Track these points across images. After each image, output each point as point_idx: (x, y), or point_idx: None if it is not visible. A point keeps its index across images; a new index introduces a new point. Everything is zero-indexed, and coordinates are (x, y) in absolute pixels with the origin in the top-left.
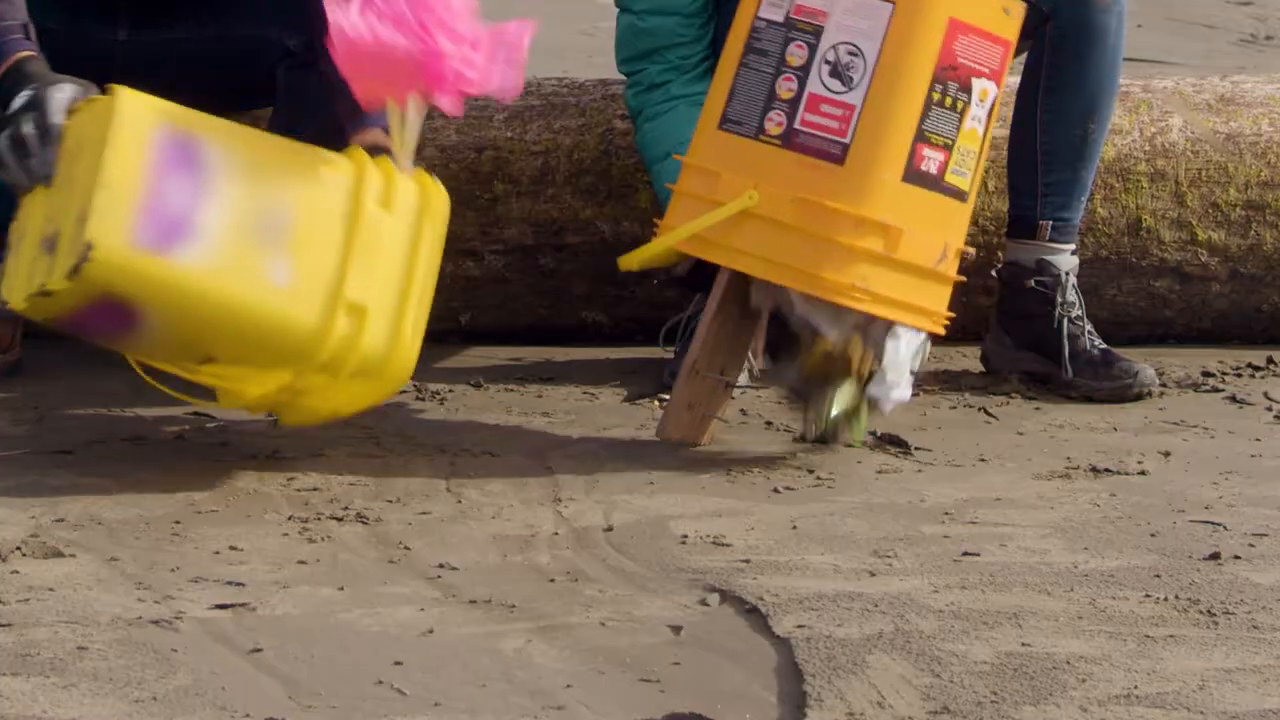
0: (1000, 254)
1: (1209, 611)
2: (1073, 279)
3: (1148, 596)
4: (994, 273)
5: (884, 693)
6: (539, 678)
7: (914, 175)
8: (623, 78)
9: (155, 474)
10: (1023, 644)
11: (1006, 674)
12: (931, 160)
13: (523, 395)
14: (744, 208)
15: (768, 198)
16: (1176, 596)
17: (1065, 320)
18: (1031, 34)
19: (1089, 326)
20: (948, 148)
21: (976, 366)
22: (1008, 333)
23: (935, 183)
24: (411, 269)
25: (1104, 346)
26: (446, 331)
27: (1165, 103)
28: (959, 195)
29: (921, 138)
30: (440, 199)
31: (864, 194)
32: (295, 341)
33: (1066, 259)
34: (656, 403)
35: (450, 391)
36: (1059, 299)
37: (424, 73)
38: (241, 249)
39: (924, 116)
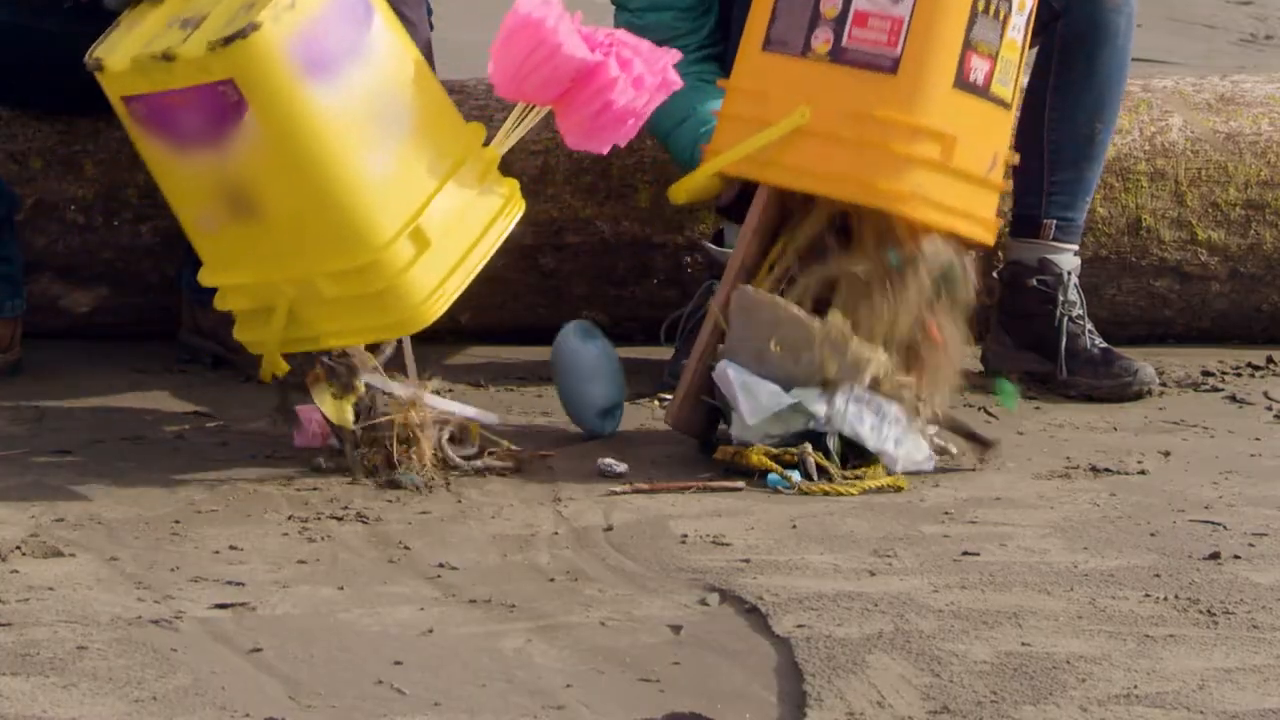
0: (1000, 254)
1: (1209, 611)
2: (1075, 279)
3: (1147, 596)
4: (995, 274)
5: (884, 692)
6: (539, 677)
7: (964, 84)
8: None
9: (155, 474)
10: (1023, 644)
11: (1006, 674)
12: (979, 70)
13: (523, 395)
14: (796, 125)
15: (820, 114)
16: (1176, 596)
17: (1066, 319)
18: (1041, 31)
19: (1089, 326)
20: (993, 57)
21: (976, 366)
22: (1008, 332)
23: (983, 91)
24: (475, 245)
25: (1104, 345)
26: (446, 331)
27: (1165, 102)
28: (1004, 104)
29: (969, 46)
30: (518, 209)
31: (918, 102)
32: (356, 231)
33: (1069, 259)
34: (656, 402)
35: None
36: (1060, 298)
37: (576, 84)
38: (361, 122)
39: (970, 25)
